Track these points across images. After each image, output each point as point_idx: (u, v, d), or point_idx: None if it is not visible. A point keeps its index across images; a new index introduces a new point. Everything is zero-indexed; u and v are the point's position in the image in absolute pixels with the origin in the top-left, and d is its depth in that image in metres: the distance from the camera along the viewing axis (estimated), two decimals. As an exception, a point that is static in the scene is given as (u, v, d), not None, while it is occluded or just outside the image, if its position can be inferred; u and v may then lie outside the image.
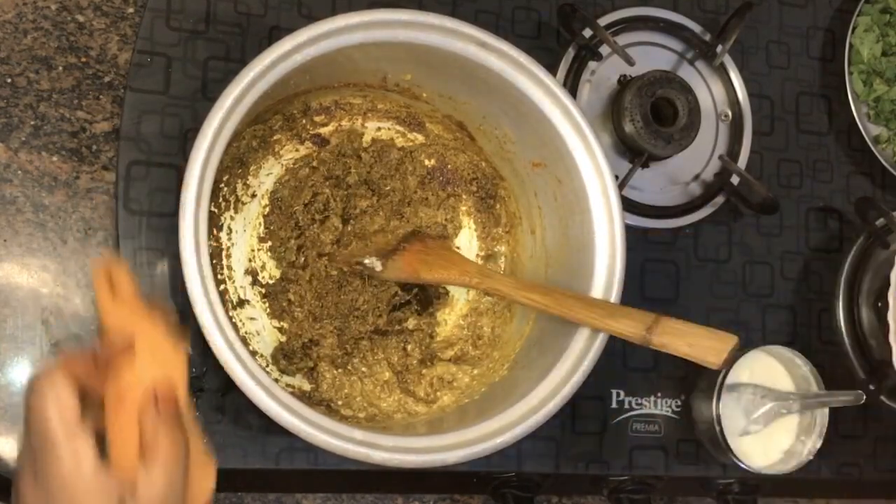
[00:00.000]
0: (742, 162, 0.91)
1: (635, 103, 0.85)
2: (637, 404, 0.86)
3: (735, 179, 0.90)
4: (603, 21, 0.88)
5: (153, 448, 0.50)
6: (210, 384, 0.74)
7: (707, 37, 0.92)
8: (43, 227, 0.75)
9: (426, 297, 0.82)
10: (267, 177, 0.78)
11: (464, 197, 0.84)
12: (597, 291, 0.74)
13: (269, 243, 0.78)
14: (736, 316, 0.91)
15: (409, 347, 0.80)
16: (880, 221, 0.91)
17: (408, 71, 0.77)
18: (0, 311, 0.74)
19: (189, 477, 0.51)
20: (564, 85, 0.86)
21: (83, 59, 0.78)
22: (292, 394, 0.67)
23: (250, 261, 0.77)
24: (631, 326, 0.69)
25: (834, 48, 0.98)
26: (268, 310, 0.77)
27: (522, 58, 0.73)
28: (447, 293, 0.83)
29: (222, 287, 0.75)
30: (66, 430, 0.49)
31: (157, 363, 0.51)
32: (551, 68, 0.81)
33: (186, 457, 0.51)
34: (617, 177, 0.80)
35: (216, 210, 0.76)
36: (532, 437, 0.71)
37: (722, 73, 0.92)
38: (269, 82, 0.66)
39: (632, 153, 0.88)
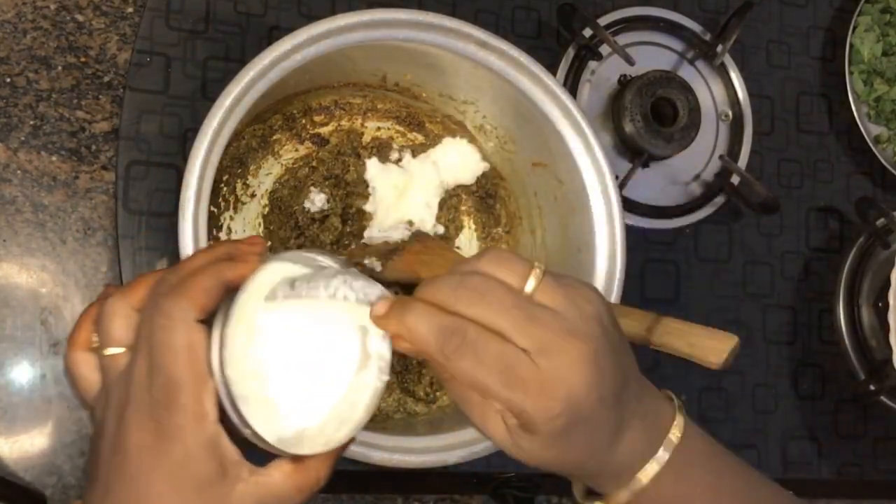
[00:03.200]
0: (742, 162, 0.91)
1: (635, 103, 0.85)
2: (637, 404, 0.86)
3: (735, 179, 0.90)
4: (603, 21, 0.88)
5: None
6: (210, 384, 0.74)
7: (707, 37, 0.92)
8: (42, 227, 0.75)
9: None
10: (266, 177, 0.78)
11: (464, 197, 0.84)
12: (597, 291, 0.74)
13: (269, 243, 0.78)
14: (736, 316, 0.91)
15: (408, 347, 0.80)
16: (880, 221, 0.91)
17: (407, 71, 0.77)
18: (-1, 311, 0.74)
19: None
20: (564, 85, 0.86)
21: (82, 59, 0.78)
22: (292, 394, 0.67)
23: (250, 261, 0.77)
24: (631, 326, 0.69)
25: (834, 48, 0.98)
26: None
27: (522, 58, 0.73)
28: (447, 293, 0.83)
29: (222, 287, 0.75)
30: (195, 377, 0.44)
31: None
32: (551, 68, 0.81)
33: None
34: (617, 177, 0.80)
35: (216, 210, 0.75)
36: (532, 437, 0.70)
37: (722, 72, 0.92)
38: (269, 82, 0.66)
39: (632, 153, 0.88)
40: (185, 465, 0.44)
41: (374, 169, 0.80)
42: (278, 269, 0.48)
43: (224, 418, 0.45)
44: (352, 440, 0.49)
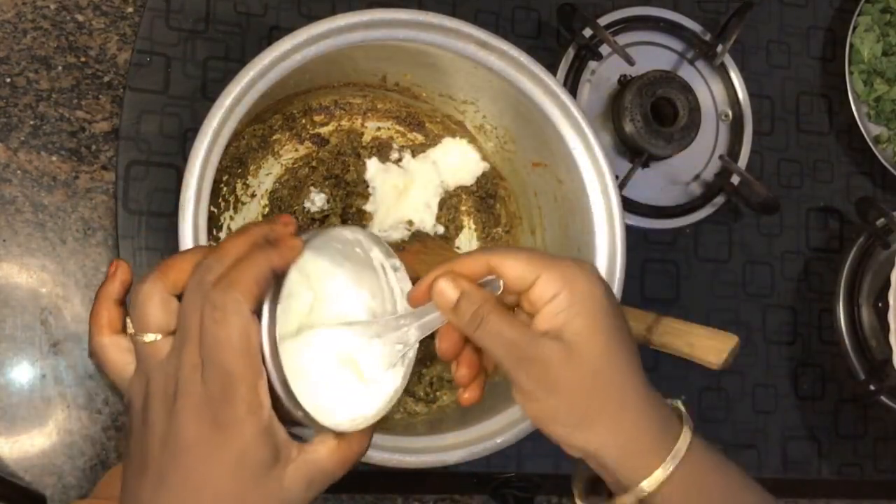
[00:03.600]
0: (742, 162, 0.91)
1: (635, 103, 0.85)
2: (637, 404, 0.86)
3: (735, 179, 0.90)
4: (603, 21, 0.88)
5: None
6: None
7: (707, 36, 0.92)
8: (42, 227, 0.75)
9: (426, 297, 0.82)
10: (266, 177, 0.78)
11: (464, 197, 0.84)
12: (597, 291, 0.74)
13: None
14: (736, 316, 0.91)
15: (408, 347, 0.80)
16: (880, 221, 0.90)
17: (407, 70, 0.77)
18: (-1, 311, 0.74)
19: None
20: (564, 85, 0.86)
21: (82, 59, 0.78)
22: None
23: (250, 261, 0.77)
24: (631, 326, 0.69)
25: (834, 48, 0.98)
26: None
27: (522, 57, 0.73)
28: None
29: (222, 287, 0.75)
30: (251, 369, 0.44)
31: None
32: (551, 68, 0.81)
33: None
34: (617, 177, 0.80)
35: (216, 210, 0.75)
36: (532, 437, 0.70)
37: (722, 72, 0.92)
38: (269, 82, 0.66)
39: (632, 153, 0.88)
40: (243, 455, 0.45)
41: (374, 169, 0.80)
42: (319, 252, 0.49)
43: (274, 401, 0.46)
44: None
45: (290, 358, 0.47)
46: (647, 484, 0.50)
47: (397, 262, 0.51)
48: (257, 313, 0.45)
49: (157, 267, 0.48)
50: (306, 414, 0.46)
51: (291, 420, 0.46)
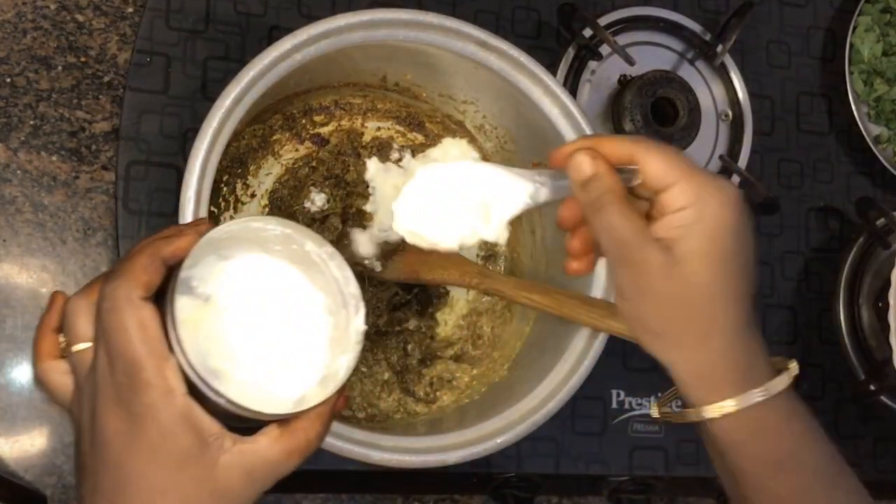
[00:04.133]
0: (742, 162, 0.91)
1: (635, 103, 0.85)
2: (637, 404, 0.86)
3: (735, 179, 0.90)
4: (603, 21, 0.88)
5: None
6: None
7: (707, 37, 0.92)
8: (42, 227, 0.75)
9: (426, 297, 0.82)
10: (266, 177, 0.78)
11: (464, 197, 0.84)
12: (597, 291, 0.74)
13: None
14: (736, 316, 0.91)
15: (409, 347, 0.80)
16: (880, 221, 0.90)
17: (407, 70, 0.77)
18: (-1, 311, 0.74)
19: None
20: (564, 85, 0.86)
21: (82, 59, 0.78)
22: (292, 394, 0.67)
23: (250, 261, 0.77)
24: None
25: (834, 48, 0.98)
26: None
27: (522, 57, 0.73)
28: (447, 293, 0.83)
29: (222, 287, 0.75)
30: (152, 354, 0.44)
31: None
32: (551, 68, 0.81)
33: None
34: (617, 177, 0.80)
35: (216, 210, 0.75)
36: (532, 437, 0.70)
37: (722, 72, 0.92)
38: (269, 82, 0.66)
39: (632, 153, 0.88)
40: (161, 443, 0.44)
41: (374, 169, 0.80)
42: (210, 243, 0.48)
43: (200, 396, 0.45)
44: (342, 395, 0.49)
45: (220, 340, 0.47)
46: (708, 411, 0.51)
47: (330, 249, 0.50)
48: (159, 301, 0.46)
49: (87, 283, 0.49)
50: (228, 400, 0.45)
51: (226, 412, 0.45)
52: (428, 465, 0.68)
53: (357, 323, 0.49)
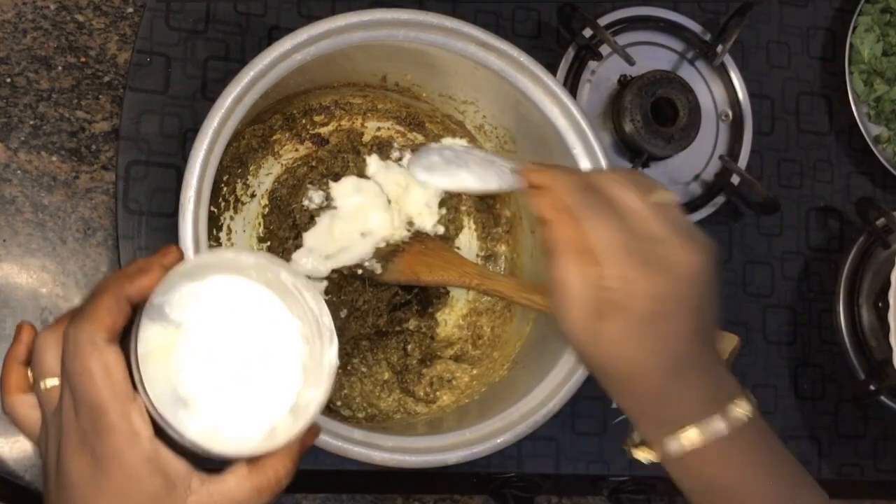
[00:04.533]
0: (742, 162, 0.91)
1: (635, 103, 0.85)
2: (637, 404, 0.86)
3: (735, 179, 0.90)
4: (603, 21, 0.88)
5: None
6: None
7: (707, 37, 0.92)
8: (42, 227, 0.75)
9: (426, 297, 0.82)
10: (267, 177, 0.78)
11: (464, 197, 0.84)
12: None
13: (269, 243, 0.78)
14: (736, 316, 0.91)
15: (409, 347, 0.80)
16: (880, 221, 0.90)
17: (407, 70, 0.77)
18: (-1, 311, 0.74)
19: None
20: (564, 85, 0.86)
21: (82, 59, 0.78)
22: (292, 394, 0.67)
23: (250, 261, 0.77)
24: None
25: (834, 48, 0.98)
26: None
27: (522, 57, 0.73)
28: (447, 293, 0.83)
29: (222, 287, 0.75)
30: (117, 397, 0.44)
31: None
32: (551, 68, 0.81)
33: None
34: (617, 177, 0.80)
35: (216, 210, 0.75)
36: (532, 437, 0.70)
37: (722, 72, 0.92)
38: (269, 82, 0.66)
39: (632, 153, 0.88)
40: (127, 487, 0.44)
41: (374, 165, 0.80)
42: (184, 273, 0.47)
43: (167, 435, 0.45)
44: (311, 432, 0.49)
45: (192, 366, 0.46)
46: (688, 437, 0.52)
47: (304, 280, 0.49)
48: (126, 338, 0.45)
49: (58, 317, 0.49)
50: (193, 443, 0.44)
51: (193, 452, 0.45)
52: (428, 465, 0.68)
53: (330, 355, 0.48)
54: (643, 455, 0.56)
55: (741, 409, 0.53)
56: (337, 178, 0.79)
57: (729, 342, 0.65)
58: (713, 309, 0.53)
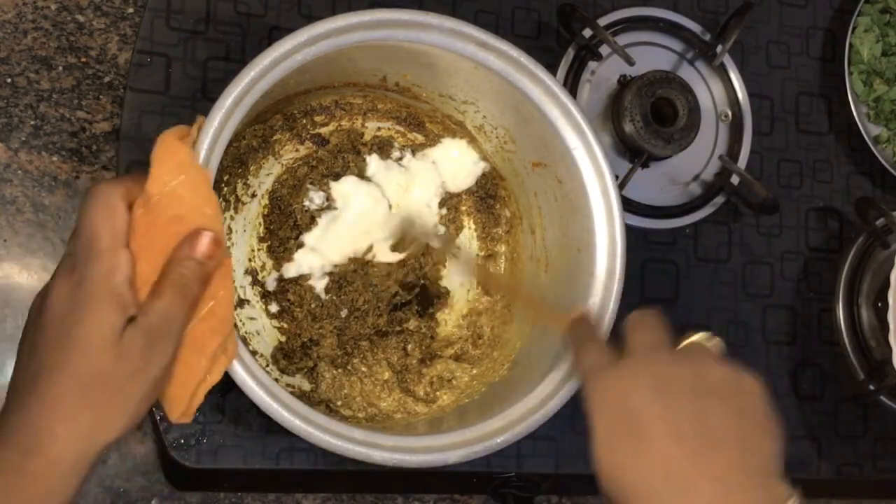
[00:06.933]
0: (742, 162, 0.91)
1: (635, 103, 0.85)
2: (637, 404, 0.86)
3: (735, 179, 0.90)
4: (603, 21, 0.88)
5: (166, 284, 0.54)
6: (210, 384, 0.74)
7: (707, 37, 0.92)
8: (43, 227, 0.75)
9: (426, 297, 0.82)
10: (267, 177, 0.78)
11: (464, 197, 0.84)
12: (597, 291, 0.74)
13: (269, 243, 0.78)
14: (735, 316, 0.91)
15: (409, 347, 0.80)
16: (880, 221, 0.91)
17: (407, 70, 0.77)
18: (0, 311, 0.74)
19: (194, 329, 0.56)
20: (564, 85, 0.86)
21: (83, 59, 0.78)
22: (292, 394, 0.67)
23: (250, 261, 0.77)
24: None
25: (834, 48, 0.98)
26: (267, 310, 0.77)
27: (522, 58, 0.73)
28: (448, 293, 0.83)
29: (222, 287, 0.75)
30: (111, 241, 0.52)
31: (198, 212, 0.57)
32: (551, 68, 0.81)
33: (193, 307, 0.55)
34: (617, 177, 0.80)
35: (216, 210, 0.76)
36: (532, 437, 0.70)
37: (722, 73, 0.92)
38: (270, 82, 0.66)
39: (632, 153, 0.88)
40: (89, 312, 0.52)
41: (375, 165, 0.80)
42: None
43: None
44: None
45: None
46: None
47: None
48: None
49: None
50: None
51: None
52: (428, 464, 0.68)
53: None
54: None
55: None
56: (337, 178, 0.79)
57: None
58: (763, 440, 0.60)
